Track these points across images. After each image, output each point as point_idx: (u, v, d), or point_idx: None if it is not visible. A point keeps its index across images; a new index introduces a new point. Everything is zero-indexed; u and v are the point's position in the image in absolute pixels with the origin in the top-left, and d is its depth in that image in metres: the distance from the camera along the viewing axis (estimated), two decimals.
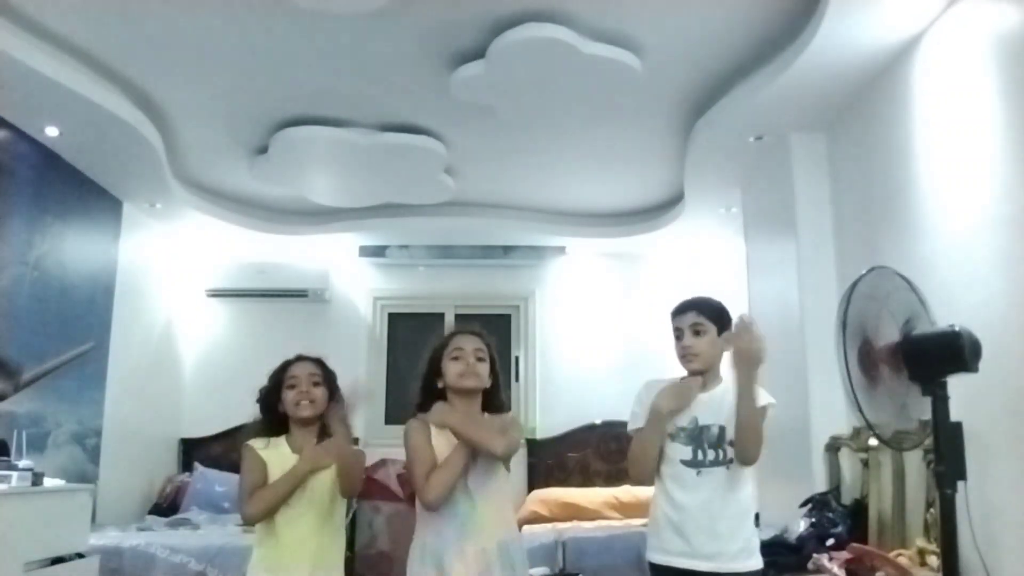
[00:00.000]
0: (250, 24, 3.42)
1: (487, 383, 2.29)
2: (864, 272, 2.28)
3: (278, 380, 2.55)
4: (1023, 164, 2.48)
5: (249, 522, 2.47)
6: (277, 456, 2.44)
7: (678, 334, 2.34)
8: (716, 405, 2.27)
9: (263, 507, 2.37)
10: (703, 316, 2.32)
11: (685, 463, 2.25)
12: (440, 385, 2.28)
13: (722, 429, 2.24)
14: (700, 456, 2.24)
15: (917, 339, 2.26)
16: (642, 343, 6.10)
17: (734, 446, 2.21)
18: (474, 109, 4.05)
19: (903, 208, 3.23)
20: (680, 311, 2.36)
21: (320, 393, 2.53)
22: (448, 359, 2.27)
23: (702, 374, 2.32)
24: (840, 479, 3.60)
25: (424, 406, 2.28)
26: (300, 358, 2.62)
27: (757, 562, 2.23)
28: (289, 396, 2.51)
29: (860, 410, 2.49)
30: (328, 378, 2.59)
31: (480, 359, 2.28)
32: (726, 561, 2.17)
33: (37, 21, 3.37)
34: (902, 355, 2.25)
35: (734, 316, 2.33)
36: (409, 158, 4.61)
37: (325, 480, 2.42)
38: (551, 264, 6.38)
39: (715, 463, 2.23)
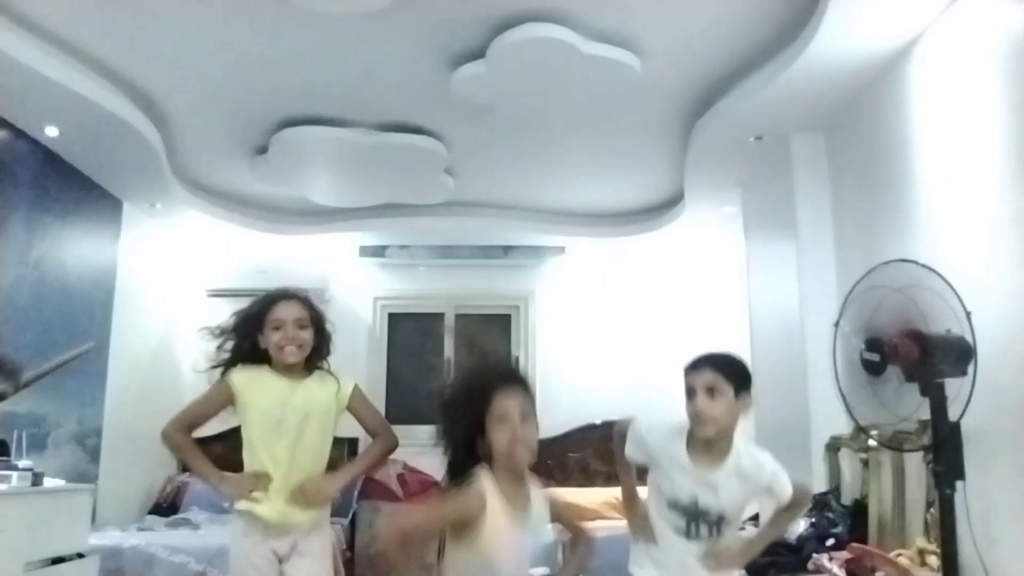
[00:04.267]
0: (250, 24, 3.42)
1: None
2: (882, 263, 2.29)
3: (259, 316, 2.42)
4: (1023, 164, 2.48)
5: (161, 437, 2.42)
6: (261, 388, 2.39)
7: (690, 393, 2.13)
8: (718, 488, 2.12)
9: (171, 447, 2.40)
10: (721, 376, 2.10)
11: (676, 529, 2.16)
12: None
13: (721, 518, 2.13)
14: (693, 530, 2.15)
15: (929, 339, 2.28)
16: (642, 343, 6.12)
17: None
18: (474, 109, 4.05)
19: (903, 208, 3.23)
20: (695, 367, 2.15)
21: (307, 336, 2.42)
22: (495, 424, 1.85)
23: (710, 438, 2.12)
24: (840, 479, 3.60)
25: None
26: (286, 296, 2.46)
27: None
28: (274, 338, 2.38)
29: (851, 414, 2.50)
30: (316, 319, 2.47)
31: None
32: None
33: (37, 21, 3.37)
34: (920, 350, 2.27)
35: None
36: (409, 158, 4.61)
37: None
38: (551, 264, 6.38)
39: (707, 537, 2.15)
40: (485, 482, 1.78)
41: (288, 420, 2.39)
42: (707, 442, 2.12)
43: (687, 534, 2.15)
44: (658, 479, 2.21)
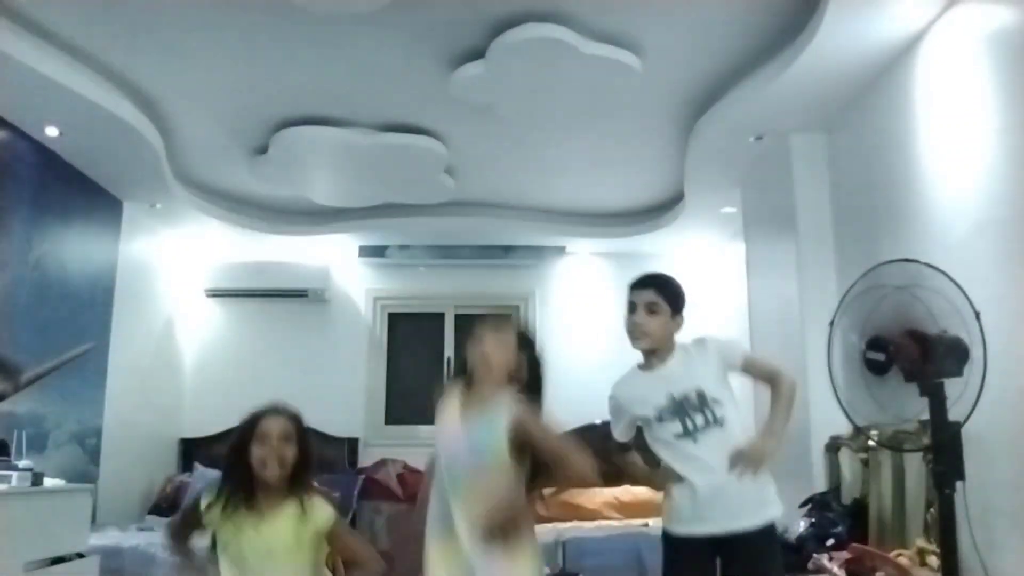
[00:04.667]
0: (250, 24, 3.42)
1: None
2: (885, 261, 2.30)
3: (246, 432, 2.22)
4: (1022, 164, 2.48)
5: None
6: (227, 519, 2.18)
7: (631, 308, 2.34)
8: (681, 372, 2.29)
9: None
10: (661, 296, 2.32)
11: (679, 436, 2.25)
12: None
13: (699, 392, 2.25)
14: (690, 425, 2.24)
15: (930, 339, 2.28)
16: None
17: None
18: (474, 109, 4.05)
19: (903, 208, 3.23)
20: (638, 286, 2.37)
21: (291, 453, 2.21)
22: None
23: (652, 353, 2.34)
24: (840, 479, 3.60)
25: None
26: (274, 411, 2.27)
27: (775, 510, 2.23)
28: (256, 453, 2.18)
29: (848, 415, 2.51)
30: (302, 436, 2.26)
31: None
32: (745, 518, 2.18)
33: (37, 21, 3.37)
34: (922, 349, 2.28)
35: (688, 298, 2.38)
36: (409, 158, 4.61)
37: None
38: (551, 264, 6.38)
39: (706, 425, 2.23)
40: (449, 389, 2.24)
41: (248, 560, 2.18)
42: (653, 357, 2.34)
43: (687, 432, 2.24)
44: (643, 419, 2.33)
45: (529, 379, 2.29)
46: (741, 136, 4.11)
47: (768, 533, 2.21)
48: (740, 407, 2.31)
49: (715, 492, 2.18)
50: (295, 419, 2.27)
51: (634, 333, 2.34)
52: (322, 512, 2.28)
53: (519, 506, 2.10)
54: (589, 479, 2.17)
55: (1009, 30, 2.57)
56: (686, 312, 2.38)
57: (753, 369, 2.37)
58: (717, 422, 2.23)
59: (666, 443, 2.27)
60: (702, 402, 2.24)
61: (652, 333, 2.32)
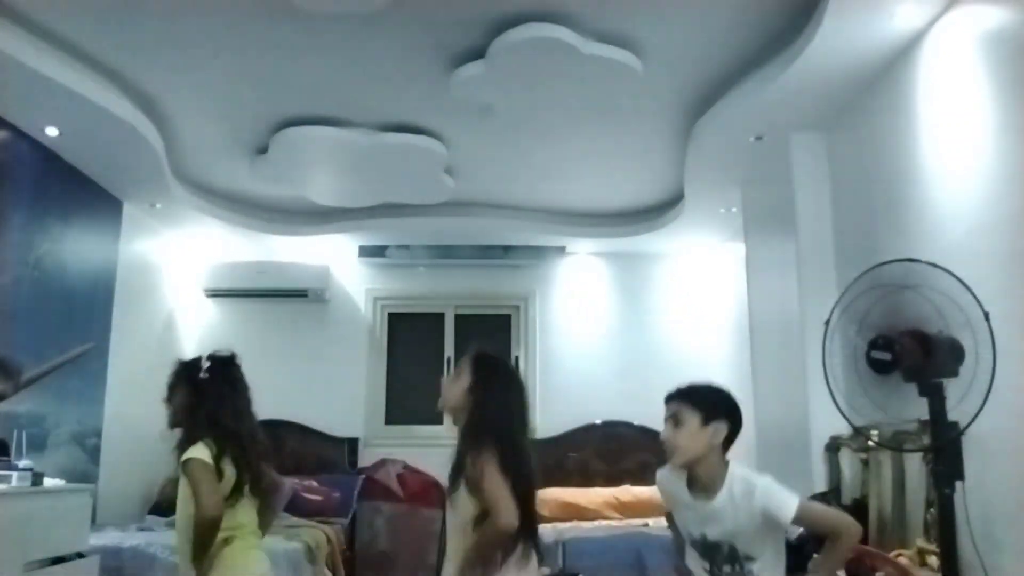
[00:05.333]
0: (250, 24, 3.42)
1: None
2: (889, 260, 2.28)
3: None
4: (1023, 164, 2.48)
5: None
6: None
7: (665, 422, 2.18)
8: (720, 519, 2.09)
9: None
10: (684, 404, 2.14)
11: (706, 571, 2.16)
12: None
13: (732, 548, 2.09)
14: (716, 571, 2.13)
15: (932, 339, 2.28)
16: (642, 343, 6.12)
17: None
18: (474, 109, 4.05)
19: (903, 208, 3.23)
20: (667, 399, 2.20)
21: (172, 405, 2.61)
22: None
23: (695, 474, 2.15)
24: (840, 479, 3.60)
25: None
26: None
27: None
28: None
29: (844, 415, 2.50)
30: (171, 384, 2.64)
31: None
32: None
33: (37, 21, 3.37)
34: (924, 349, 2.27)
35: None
36: (409, 158, 4.62)
37: None
38: (551, 264, 6.38)
39: (732, 575, 2.12)
40: None
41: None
42: (702, 475, 2.12)
43: (712, 574, 2.14)
44: (680, 523, 2.23)
45: (470, 419, 2.24)
46: (741, 136, 4.10)
47: None
48: (782, 556, 2.16)
49: None
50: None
51: (666, 450, 2.16)
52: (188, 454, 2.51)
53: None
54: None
55: (1009, 30, 2.57)
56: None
57: (809, 523, 2.14)
58: (745, 574, 2.11)
59: (693, 561, 2.20)
60: (733, 556, 2.09)
61: (680, 447, 2.12)
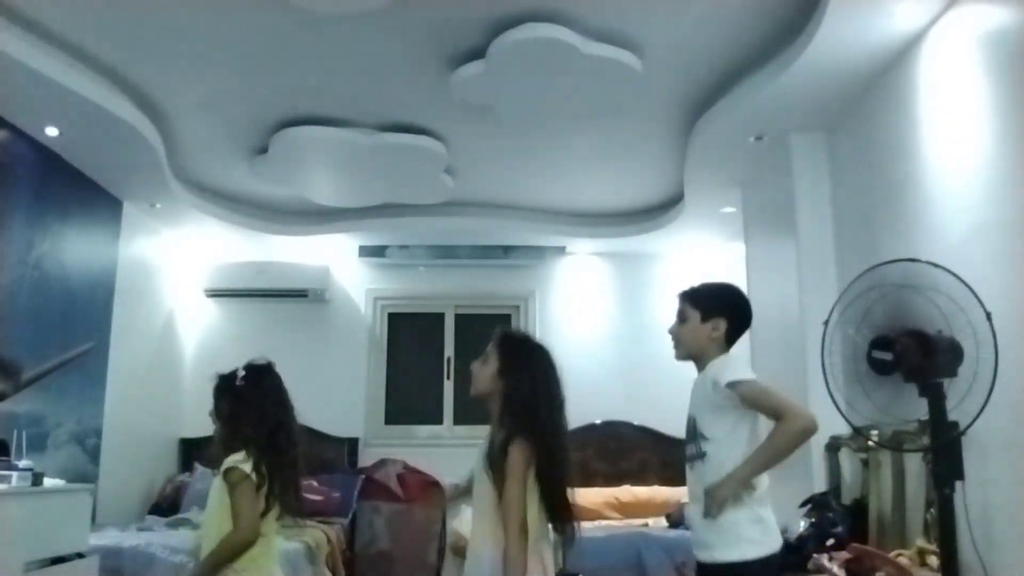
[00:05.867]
0: (250, 24, 3.42)
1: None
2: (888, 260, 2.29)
3: None
4: (1023, 164, 2.48)
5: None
6: None
7: None
8: (693, 394, 2.27)
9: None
10: (686, 302, 2.31)
11: (685, 458, 2.28)
12: None
13: (692, 419, 2.24)
14: (687, 451, 2.26)
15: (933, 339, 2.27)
16: (642, 343, 6.11)
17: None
18: (474, 109, 4.05)
19: (903, 208, 3.23)
20: (677, 297, 2.37)
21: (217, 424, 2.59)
22: None
23: (694, 360, 2.30)
24: (840, 479, 3.60)
25: None
26: None
27: (744, 552, 2.10)
28: None
29: (843, 415, 2.50)
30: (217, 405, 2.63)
31: None
32: (706, 552, 2.16)
33: (37, 21, 3.37)
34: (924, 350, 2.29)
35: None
36: (409, 158, 4.62)
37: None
38: (551, 264, 6.38)
39: (694, 456, 2.23)
40: None
41: None
42: (704, 366, 2.25)
43: (687, 457, 2.26)
44: None
45: (505, 402, 2.20)
46: (741, 136, 4.10)
47: (732, 572, 2.11)
48: (738, 445, 2.15)
49: (692, 522, 2.21)
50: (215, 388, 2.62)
51: (673, 344, 2.34)
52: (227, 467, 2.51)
53: None
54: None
55: (1009, 30, 2.57)
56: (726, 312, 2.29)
57: (751, 398, 2.14)
58: (699, 456, 2.19)
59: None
60: (693, 433, 2.23)
61: (683, 341, 2.30)
